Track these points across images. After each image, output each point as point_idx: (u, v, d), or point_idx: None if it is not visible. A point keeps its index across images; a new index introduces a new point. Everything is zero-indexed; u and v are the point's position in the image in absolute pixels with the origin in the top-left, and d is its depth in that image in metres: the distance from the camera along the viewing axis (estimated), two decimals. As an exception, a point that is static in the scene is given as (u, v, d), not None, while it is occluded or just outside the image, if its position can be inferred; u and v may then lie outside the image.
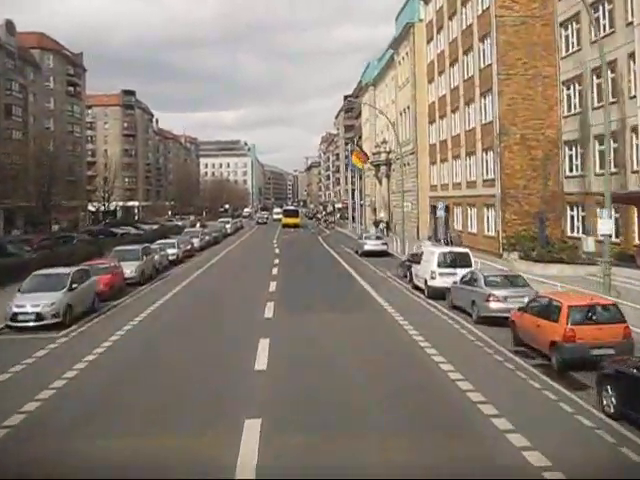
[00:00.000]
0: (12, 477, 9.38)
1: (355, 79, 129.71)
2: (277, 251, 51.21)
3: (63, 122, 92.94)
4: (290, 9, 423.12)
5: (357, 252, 47.61)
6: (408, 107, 62.95)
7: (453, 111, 50.54)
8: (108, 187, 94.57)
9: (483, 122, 43.54)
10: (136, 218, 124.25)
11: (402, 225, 51.07)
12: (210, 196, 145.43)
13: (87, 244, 45.58)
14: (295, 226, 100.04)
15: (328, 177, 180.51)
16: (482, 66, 43.48)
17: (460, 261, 25.64)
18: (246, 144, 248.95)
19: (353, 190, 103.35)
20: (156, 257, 36.07)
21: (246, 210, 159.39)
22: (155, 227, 73.27)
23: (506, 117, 40.48)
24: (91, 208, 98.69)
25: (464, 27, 47.03)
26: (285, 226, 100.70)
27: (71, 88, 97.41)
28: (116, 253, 33.02)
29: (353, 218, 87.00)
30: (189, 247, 47.36)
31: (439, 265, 25.54)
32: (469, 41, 45.65)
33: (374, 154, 77.54)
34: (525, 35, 40.49)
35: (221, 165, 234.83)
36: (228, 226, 78.14)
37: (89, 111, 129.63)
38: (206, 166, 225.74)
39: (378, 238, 47.42)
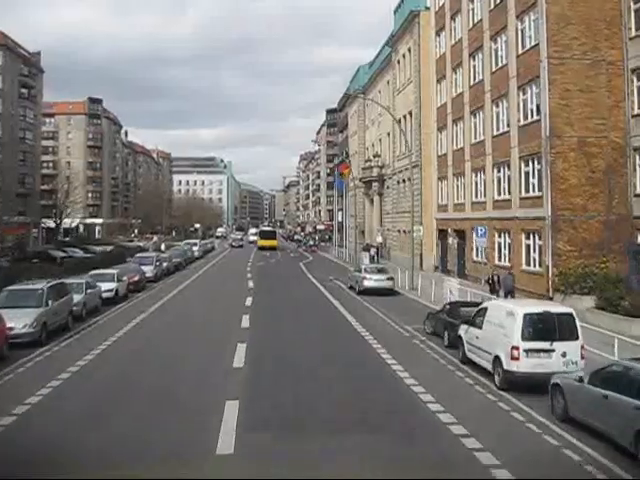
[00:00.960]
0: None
1: (335, 98, 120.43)
2: (251, 285, 40.17)
3: (14, 128, 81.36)
4: (270, 28, 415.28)
5: (352, 288, 36.92)
6: (410, 113, 52.61)
7: (474, 112, 40.20)
8: (67, 202, 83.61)
9: (522, 122, 33.12)
10: (99, 237, 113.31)
11: (411, 251, 40.68)
12: (181, 214, 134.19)
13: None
14: (272, 249, 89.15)
15: (307, 197, 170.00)
16: (520, 50, 33.15)
17: (560, 329, 14.88)
18: (222, 161, 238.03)
19: (339, 210, 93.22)
20: (77, 298, 24.96)
21: (220, 230, 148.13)
22: (109, 249, 61.88)
23: (558, 114, 30.08)
24: (50, 225, 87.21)
25: (492, 5, 36.77)
26: (261, 249, 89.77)
27: (24, 90, 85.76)
28: (7, 296, 21.76)
29: (338, 241, 76.37)
30: (137, 278, 36.27)
31: (527, 336, 14.74)
32: (501, 20, 35.31)
33: (364, 169, 67.13)
34: (584, 7, 30.27)
35: (195, 182, 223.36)
36: (195, 249, 66.99)
37: (51, 120, 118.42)
38: (179, 183, 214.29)
39: (381, 271, 36.49)
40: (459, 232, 42.88)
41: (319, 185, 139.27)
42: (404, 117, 54.72)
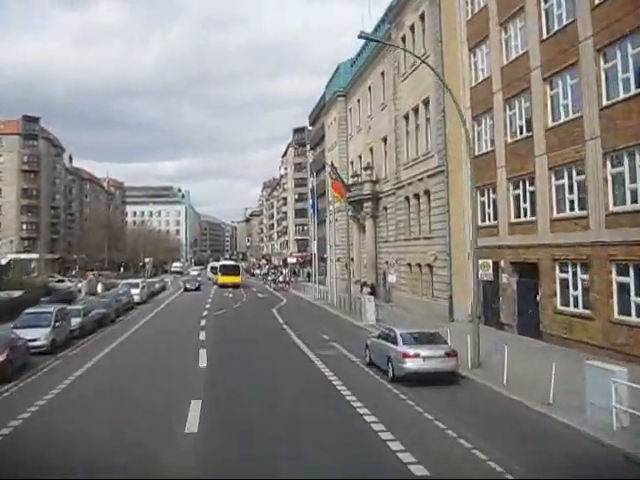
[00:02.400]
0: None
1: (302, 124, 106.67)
2: (202, 361, 23.60)
3: None
4: (230, 61, 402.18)
5: (375, 365, 21.23)
6: (425, 102, 37.67)
7: (553, 78, 25.28)
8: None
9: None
10: (35, 274, 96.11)
11: (435, 293, 25.41)
12: (130, 248, 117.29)
13: None
14: (235, 287, 73.27)
15: (272, 226, 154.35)
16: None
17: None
18: (180, 191, 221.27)
19: (320, 239, 78.23)
20: None
21: (176, 265, 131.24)
22: (17, 294, 45.32)
23: None
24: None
25: None
26: (222, 286, 73.84)
27: None
28: None
29: (317, 277, 60.96)
30: (1, 358, 20.14)
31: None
32: None
33: (351, 186, 51.89)
34: None
35: (151, 214, 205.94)
36: (136, 292, 50.70)
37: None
38: (134, 214, 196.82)
39: (433, 340, 20.04)
40: (524, 266, 27.79)
41: (286, 213, 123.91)
42: (414, 110, 39.78)
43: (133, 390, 18.34)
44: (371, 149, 51.95)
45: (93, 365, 22.93)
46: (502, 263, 29.38)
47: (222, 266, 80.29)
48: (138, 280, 55.26)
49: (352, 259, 57.15)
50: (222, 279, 75.55)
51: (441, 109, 34.73)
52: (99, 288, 59.98)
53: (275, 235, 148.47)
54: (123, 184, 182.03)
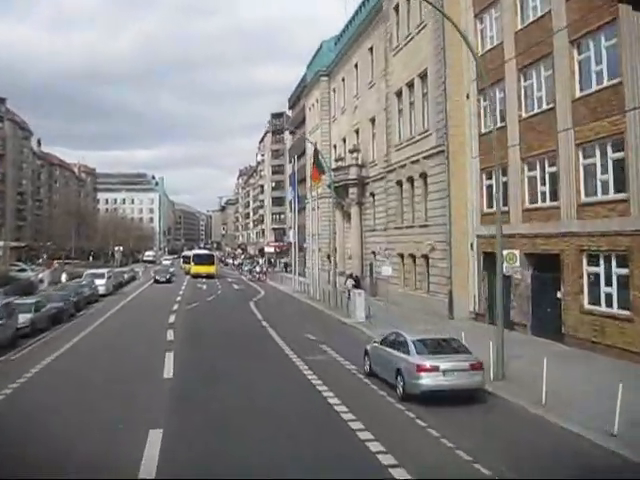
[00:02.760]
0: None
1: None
2: (167, 370, 19.13)
3: None
4: (209, 48, 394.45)
5: (377, 376, 17.50)
6: (422, 75, 33.85)
7: (580, 41, 21.56)
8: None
9: None
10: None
11: (439, 287, 21.81)
12: (100, 236, 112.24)
13: None
14: (209, 277, 69.19)
15: (247, 215, 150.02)
16: None
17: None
18: (154, 178, 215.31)
19: (290, 228, 74.64)
20: None
21: (148, 254, 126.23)
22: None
23: None
24: None
25: None
26: (195, 277, 69.68)
27: None
28: None
29: (296, 268, 57.09)
30: None
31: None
32: None
33: (334, 170, 48.00)
34: None
35: (124, 201, 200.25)
36: (101, 282, 46.33)
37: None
38: (106, 202, 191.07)
39: (455, 348, 16.20)
40: (541, 258, 24.16)
41: (262, 201, 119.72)
42: (408, 86, 35.96)
43: (73, 418, 14.28)
44: (357, 131, 48.14)
45: (35, 375, 18.85)
46: (514, 256, 25.71)
47: (196, 255, 75.87)
48: (104, 270, 50.77)
49: (335, 249, 53.42)
50: (195, 269, 71.34)
51: (441, 82, 30.97)
52: (63, 278, 55.53)
53: (251, 224, 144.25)
54: (95, 170, 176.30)
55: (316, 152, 43.39)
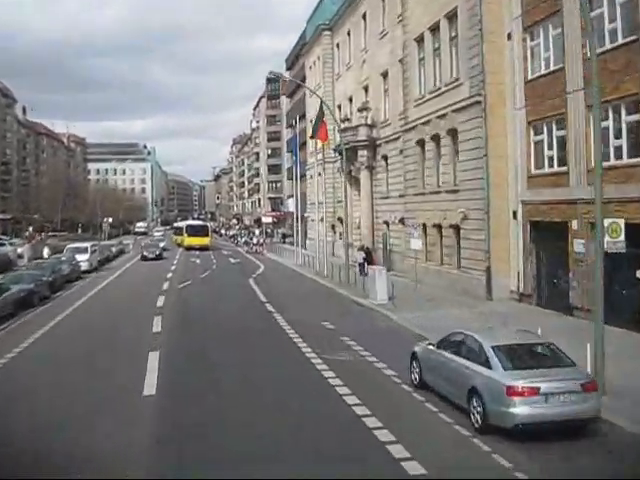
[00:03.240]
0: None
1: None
2: (150, 387, 14.17)
3: None
4: (202, 17, 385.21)
5: (424, 385, 12.97)
6: (450, 16, 28.70)
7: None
8: None
9: None
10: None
11: (475, 262, 17.12)
12: (88, 207, 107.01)
13: None
14: (203, 249, 64.53)
15: (242, 184, 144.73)
16: None
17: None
18: (145, 147, 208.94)
19: (290, 197, 70.05)
20: None
21: (140, 225, 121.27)
22: None
23: None
24: None
25: None
26: (189, 249, 65.01)
27: None
28: None
29: (297, 240, 52.37)
30: None
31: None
32: None
33: (341, 132, 42.87)
34: None
35: (115, 171, 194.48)
36: (83, 258, 41.42)
37: None
38: (97, 172, 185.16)
39: (546, 355, 11.43)
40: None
41: (258, 169, 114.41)
42: (431, 30, 30.83)
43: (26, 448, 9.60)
44: (366, 88, 43.05)
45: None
46: (574, 224, 21.01)
47: (189, 226, 70.85)
48: (87, 244, 45.61)
49: (339, 219, 48.73)
50: (189, 241, 66.54)
51: (476, 20, 25.90)
52: (45, 253, 50.58)
53: (246, 193, 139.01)
54: (85, 140, 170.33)
55: (321, 105, 38.26)
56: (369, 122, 41.21)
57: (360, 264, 35.96)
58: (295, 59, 72.43)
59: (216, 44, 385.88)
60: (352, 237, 45.49)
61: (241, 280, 36.63)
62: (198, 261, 51.47)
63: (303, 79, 63.36)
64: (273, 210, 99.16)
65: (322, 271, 38.76)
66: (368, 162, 41.38)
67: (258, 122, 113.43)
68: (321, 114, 38.16)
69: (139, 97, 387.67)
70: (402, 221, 35.83)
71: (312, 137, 38.47)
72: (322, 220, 53.71)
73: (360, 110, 42.23)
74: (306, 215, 59.92)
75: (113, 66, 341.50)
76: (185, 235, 67.45)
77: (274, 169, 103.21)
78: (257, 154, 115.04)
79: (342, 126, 43.99)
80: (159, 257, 54.06)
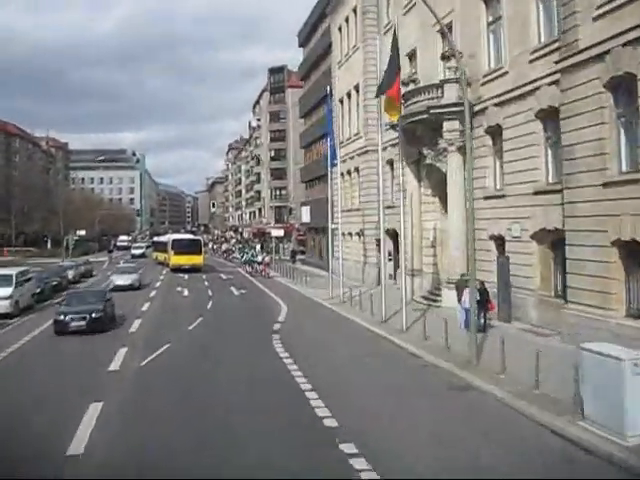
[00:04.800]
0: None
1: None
2: None
3: None
4: (196, 28, 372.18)
5: None
6: None
7: None
8: None
9: None
10: None
11: None
12: (74, 217, 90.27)
13: None
14: (195, 270, 48.72)
15: (239, 193, 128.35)
16: None
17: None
18: (134, 155, 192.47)
19: (304, 205, 55.27)
20: None
21: (122, 238, 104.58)
22: None
23: None
24: None
25: None
26: (176, 270, 49.21)
27: None
28: None
29: (314, 259, 36.52)
30: None
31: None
32: None
33: (403, 95, 26.65)
34: None
35: (102, 180, 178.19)
36: (3, 294, 25.29)
37: None
38: (82, 181, 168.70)
39: None
40: None
41: (259, 175, 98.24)
42: None
43: None
44: (450, 26, 26.97)
45: None
46: None
47: (175, 241, 53.99)
48: (11, 270, 29.11)
49: (389, 231, 32.78)
50: (175, 260, 50.35)
51: None
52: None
53: (243, 203, 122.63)
54: (67, 145, 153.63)
55: (396, 43, 22.11)
56: (461, 77, 25.15)
57: (467, 309, 19.85)
58: (311, 31, 56.53)
59: (209, 55, 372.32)
60: (419, 260, 29.57)
61: (259, 340, 20.36)
62: (186, 292, 35.19)
63: (323, 54, 47.53)
64: (277, 221, 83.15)
65: (390, 321, 22.66)
66: (458, 140, 25.29)
67: (259, 120, 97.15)
68: (394, 60, 22.15)
69: (131, 109, 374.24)
70: (538, 237, 19.91)
71: (379, 94, 22.41)
72: (360, 234, 37.66)
73: (445, 57, 26.17)
74: (333, 227, 43.90)
75: (105, 77, 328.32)
76: (171, 252, 51.13)
77: (278, 173, 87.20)
78: (257, 157, 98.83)
79: (407, 89, 27.97)
80: (135, 287, 37.11)
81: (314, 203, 53.84)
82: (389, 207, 35.38)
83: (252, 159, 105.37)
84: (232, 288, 37.44)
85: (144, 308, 28.21)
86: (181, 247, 51.12)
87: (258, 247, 79.57)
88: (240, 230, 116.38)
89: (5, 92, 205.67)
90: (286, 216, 78.14)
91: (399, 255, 35.66)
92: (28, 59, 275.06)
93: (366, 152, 36.72)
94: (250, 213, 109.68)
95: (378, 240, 36.36)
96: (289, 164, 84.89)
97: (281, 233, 57.18)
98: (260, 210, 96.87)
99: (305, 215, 56.69)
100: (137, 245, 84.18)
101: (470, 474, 9.09)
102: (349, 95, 41.09)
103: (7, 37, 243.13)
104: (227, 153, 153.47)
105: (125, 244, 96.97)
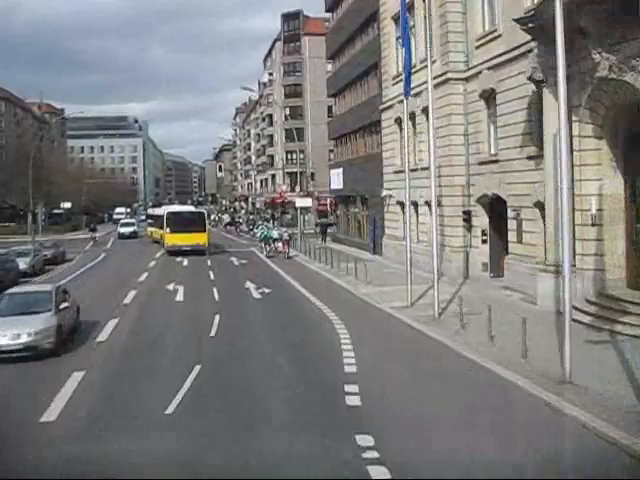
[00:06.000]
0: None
1: None
2: None
3: None
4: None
5: None
6: None
7: None
8: None
9: None
10: None
11: None
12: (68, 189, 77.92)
13: None
14: (198, 252, 36.88)
15: (249, 160, 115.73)
16: None
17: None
18: (136, 122, 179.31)
19: (346, 165, 43.46)
20: None
21: (119, 211, 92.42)
22: None
23: None
24: None
25: None
26: (172, 253, 37.33)
27: None
28: None
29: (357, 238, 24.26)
30: None
31: None
32: None
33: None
34: None
35: (102, 149, 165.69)
36: None
37: None
38: (82, 150, 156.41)
39: None
40: None
41: (272, 137, 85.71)
42: None
43: None
44: None
45: None
46: None
47: (172, 215, 40.58)
48: None
49: (486, 199, 20.79)
50: (171, 239, 38.12)
51: None
52: None
53: (253, 173, 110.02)
54: (63, 111, 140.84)
55: None
56: None
57: None
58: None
59: (216, 25, 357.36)
60: (568, 248, 17.37)
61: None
62: (180, 294, 22.96)
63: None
64: (293, 189, 70.89)
65: (581, 376, 10.52)
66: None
67: (272, 75, 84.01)
68: None
69: (136, 79, 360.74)
70: None
71: None
72: (429, 205, 25.26)
73: None
74: (385, 194, 31.69)
75: (109, 47, 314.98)
76: (166, 229, 38.89)
77: (294, 134, 74.50)
78: (270, 117, 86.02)
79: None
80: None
81: (349, 164, 41.65)
82: (486, 162, 23.21)
83: (263, 120, 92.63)
84: (249, 284, 25.24)
85: (102, 337, 16.12)
86: (179, 223, 38.67)
87: (274, 222, 67.70)
88: (252, 200, 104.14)
89: (3, 63, 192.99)
90: (305, 183, 65.76)
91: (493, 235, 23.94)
92: (28, 30, 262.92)
93: (446, 82, 24.42)
94: (261, 181, 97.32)
95: (466, 213, 24.36)
96: (307, 123, 72.45)
97: (308, 203, 44.76)
98: (274, 176, 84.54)
99: (336, 180, 44.48)
100: (126, 221, 62.83)
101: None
102: (411, 7, 28.66)
103: (8, 6, 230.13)
104: (235, 117, 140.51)
105: (122, 217, 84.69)
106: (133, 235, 56.09)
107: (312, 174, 61.48)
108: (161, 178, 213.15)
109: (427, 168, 26.13)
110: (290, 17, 76.71)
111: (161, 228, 41.50)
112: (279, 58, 79.14)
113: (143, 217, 75.26)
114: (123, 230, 56.95)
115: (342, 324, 16.78)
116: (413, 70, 27.70)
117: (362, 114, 37.46)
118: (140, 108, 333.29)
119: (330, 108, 68.30)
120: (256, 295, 22.74)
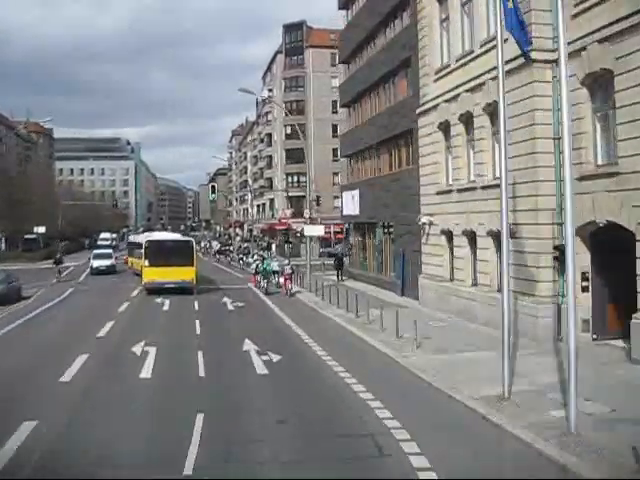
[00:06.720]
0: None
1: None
2: None
3: None
4: (199, 24, 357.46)
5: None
6: None
7: None
8: None
9: None
10: None
11: None
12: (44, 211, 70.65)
13: None
14: (183, 290, 29.35)
15: (245, 184, 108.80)
16: None
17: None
18: (129, 143, 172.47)
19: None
20: None
21: (104, 236, 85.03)
22: None
23: None
24: None
25: None
26: (152, 291, 29.77)
27: None
28: None
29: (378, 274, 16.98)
30: None
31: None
32: None
33: None
34: None
35: (92, 171, 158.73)
36: None
37: None
38: (71, 172, 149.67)
39: None
40: None
41: (270, 158, 78.92)
42: None
43: None
44: None
45: None
46: None
47: (152, 244, 33.04)
48: None
49: (585, 230, 13.68)
50: (150, 274, 30.71)
51: None
52: None
53: (249, 197, 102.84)
54: (52, 131, 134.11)
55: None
56: None
57: None
58: None
59: (212, 52, 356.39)
60: None
61: None
62: (147, 370, 15.27)
63: None
64: (295, 215, 64.16)
65: None
66: None
67: (271, 91, 77.26)
68: None
69: (131, 104, 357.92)
70: None
71: None
72: (495, 236, 18.02)
73: None
74: (421, 222, 24.60)
75: (104, 72, 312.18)
76: (145, 262, 31.53)
77: (295, 155, 67.75)
78: (269, 136, 79.30)
79: None
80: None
81: (367, 185, 34.68)
82: (592, 176, 16.24)
83: (261, 141, 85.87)
84: (249, 345, 17.98)
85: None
86: (161, 254, 31.22)
87: (273, 248, 60.79)
88: (248, 226, 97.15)
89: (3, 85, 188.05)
90: (308, 208, 58.67)
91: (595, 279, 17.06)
92: (26, 54, 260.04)
93: (523, 67, 17.46)
94: (258, 206, 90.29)
95: (558, 249, 17.31)
96: (310, 142, 65.75)
97: (320, 231, 37.40)
98: (272, 201, 77.57)
99: (349, 204, 37.47)
100: (100, 252, 48.67)
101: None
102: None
103: (5, 30, 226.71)
104: (230, 140, 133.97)
105: (108, 243, 77.28)
106: (110, 270, 44.71)
107: (318, 198, 54.55)
108: (154, 202, 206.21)
109: (490, 187, 19.19)
110: (293, 28, 70.40)
111: (140, 258, 34.24)
112: (280, 72, 72.63)
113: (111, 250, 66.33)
114: (97, 264, 44.88)
115: (405, 434, 9.56)
116: (470, 57, 20.94)
117: (386, 123, 30.59)
118: (135, 133, 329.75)
119: (335, 127, 61.67)
120: (259, 366, 15.39)
